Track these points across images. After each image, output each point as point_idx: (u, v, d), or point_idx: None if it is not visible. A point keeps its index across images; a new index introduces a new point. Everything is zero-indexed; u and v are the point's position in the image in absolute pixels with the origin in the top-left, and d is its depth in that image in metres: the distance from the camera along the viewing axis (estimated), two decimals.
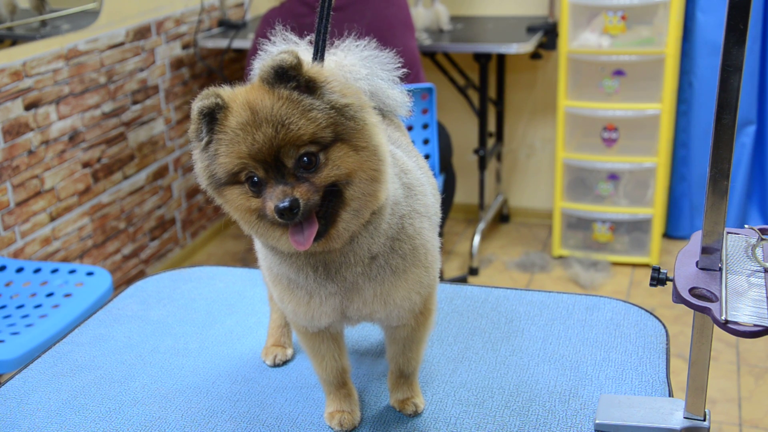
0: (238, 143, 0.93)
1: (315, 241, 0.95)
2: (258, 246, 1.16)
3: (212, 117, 0.95)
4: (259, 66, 1.00)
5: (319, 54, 1.09)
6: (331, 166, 0.95)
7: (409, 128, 2.71)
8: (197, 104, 0.95)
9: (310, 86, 0.95)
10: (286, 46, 1.11)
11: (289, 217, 0.92)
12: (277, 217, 0.93)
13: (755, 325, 0.94)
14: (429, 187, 1.17)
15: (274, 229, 0.98)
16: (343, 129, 0.95)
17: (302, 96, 0.94)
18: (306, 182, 0.94)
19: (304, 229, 0.95)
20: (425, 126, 2.77)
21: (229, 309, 1.59)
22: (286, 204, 0.91)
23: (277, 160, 0.93)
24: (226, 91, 0.98)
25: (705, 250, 1.06)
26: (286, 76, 0.94)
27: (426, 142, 2.79)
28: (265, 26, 2.61)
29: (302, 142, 0.93)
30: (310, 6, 2.89)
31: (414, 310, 1.13)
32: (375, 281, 1.06)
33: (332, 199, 0.96)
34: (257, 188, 0.95)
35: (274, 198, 0.93)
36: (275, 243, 1.00)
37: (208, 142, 0.96)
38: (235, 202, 0.98)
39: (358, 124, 0.96)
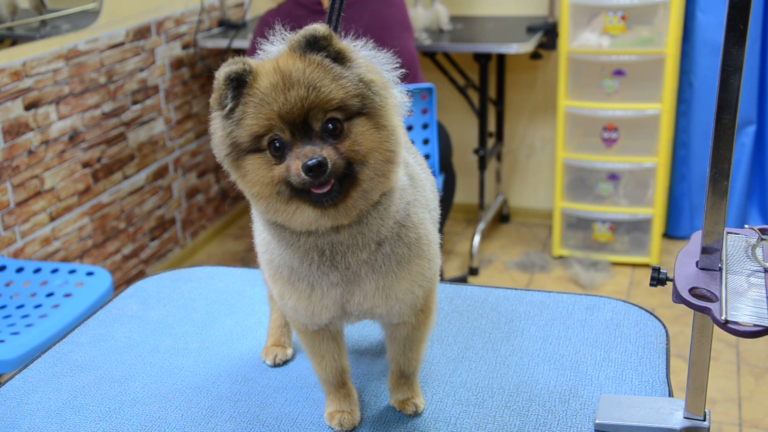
0: (268, 104, 0.95)
1: (330, 199, 0.95)
2: (258, 239, 1.16)
3: (240, 81, 0.96)
4: (271, 56, 1.01)
5: None
6: (353, 140, 0.96)
7: (409, 128, 2.71)
8: (224, 70, 0.96)
9: (339, 57, 0.97)
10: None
11: (317, 174, 0.93)
12: (303, 174, 0.93)
13: (755, 325, 0.94)
14: (428, 183, 1.18)
15: (288, 203, 0.98)
16: (369, 102, 0.97)
17: (333, 64, 0.97)
18: (331, 146, 0.95)
19: (324, 183, 0.95)
20: (425, 126, 2.78)
21: (229, 309, 1.59)
22: (314, 161, 0.92)
23: (305, 123, 0.95)
24: (252, 60, 0.99)
25: (705, 250, 1.06)
26: (318, 45, 0.97)
27: (426, 142, 2.79)
28: (263, 27, 2.61)
29: (331, 107, 0.95)
30: (307, 8, 2.89)
31: (415, 306, 1.13)
32: (378, 273, 1.06)
33: (346, 175, 0.97)
34: (280, 153, 0.96)
35: (303, 156, 0.94)
36: (288, 219, 0.99)
37: (233, 108, 0.97)
38: (254, 173, 0.98)
39: (381, 101, 0.98)
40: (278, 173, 0.96)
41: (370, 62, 1.01)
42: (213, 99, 0.99)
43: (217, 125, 1.00)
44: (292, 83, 0.95)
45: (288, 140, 0.95)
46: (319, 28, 0.96)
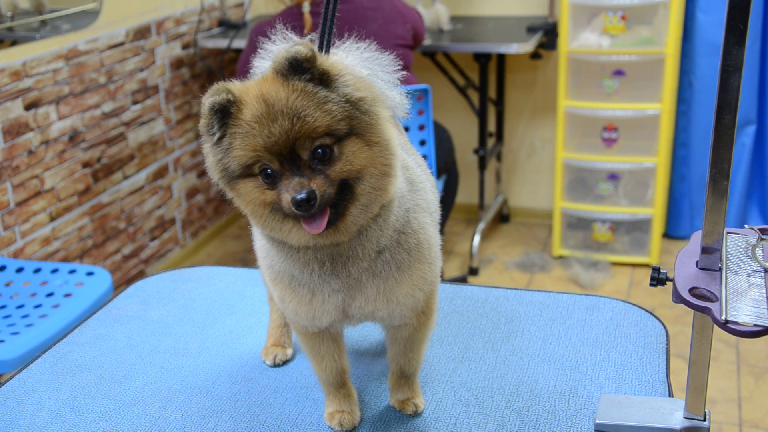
0: (253, 136, 0.94)
1: (325, 229, 0.95)
2: (258, 245, 1.16)
3: (225, 112, 0.95)
4: (273, 55, 1.00)
5: (323, 52, 1.09)
6: (345, 161, 0.95)
7: (406, 129, 2.71)
8: (208, 100, 0.95)
9: (324, 79, 0.96)
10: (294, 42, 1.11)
11: (306, 209, 0.93)
12: (294, 209, 0.93)
13: (755, 325, 0.94)
14: (428, 184, 1.18)
15: (284, 222, 0.98)
16: (357, 123, 0.95)
17: (317, 88, 0.95)
18: (321, 174, 0.94)
19: (316, 216, 0.95)
20: (421, 127, 2.77)
21: (229, 309, 1.59)
22: (303, 195, 0.92)
23: (293, 153, 0.94)
24: (236, 86, 0.97)
25: (705, 250, 1.06)
26: (301, 68, 0.95)
27: (423, 143, 2.79)
28: (258, 34, 2.61)
29: (317, 135, 0.94)
30: (300, 28, 2.89)
31: (417, 308, 1.13)
32: (379, 278, 1.06)
33: (342, 192, 0.96)
34: (271, 180, 0.95)
35: (291, 190, 0.93)
36: (285, 236, 1.00)
37: (221, 137, 0.96)
38: (247, 196, 0.97)
39: (371, 118, 0.96)
40: (270, 198, 0.96)
41: (359, 77, 0.99)
42: (201, 126, 0.98)
43: (207, 151, 0.99)
44: (276, 115, 0.93)
45: (278, 170, 0.95)
46: (301, 49, 0.94)
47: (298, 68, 0.95)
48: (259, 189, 0.96)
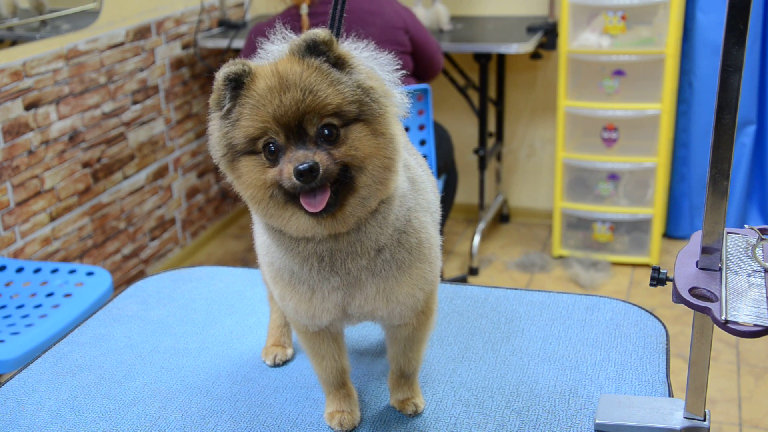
0: (263, 105, 0.95)
1: (325, 212, 0.95)
2: (258, 242, 1.16)
3: (238, 83, 0.96)
4: (272, 56, 1.03)
5: None
6: (350, 146, 0.95)
7: (406, 129, 2.71)
8: (223, 71, 0.96)
9: (339, 63, 0.97)
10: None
11: (308, 180, 0.92)
12: (295, 179, 0.93)
13: (755, 325, 0.94)
14: (429, 184, 1.18)
15: (284, 208, 0.98)
16: (366, 109, 0.96)
17: (331, 69, 0.96)
18: (325, 152, 0.95)
19: (317, 194, 0.95)
20: (421, 127, 2.78)
21: (229, 309, 1.59)
22: (306, 166, 0.92)
23: (300, 127, 0.94)
24: (252, 62, 0.99)
25: (705, 250, 1.06)
26: (318, 49, 0.97)
27: (423, 143, 2.79)
28: (256, 35, 2.60)
29: (327, 112, 0.94)
30: (298, 29, 2.90)
31: (417, 308, 1.13)
32: (378, 277, 1.06)
33: (343, 182, 0.96)
34: (274, 157, 0.96)
35: (294, 160, 0.93)
36: (284, 225, 0.99)
37: (230, 109, 0.97)
38: (248, 175, 0.97)
39: (380, 109, 0.97)
40: (271, 176, 0.96)
41: (371, 69, 1.01)
42: (212, 99, 0.99)
43: (214, 126, 1.00)
44: (288, 86, 0.94)
45: (282, 144, 0.95)
46: (320, 32, 0.96)
47: (315, 49, 0.96)
48: (261, 168, 0.96)
